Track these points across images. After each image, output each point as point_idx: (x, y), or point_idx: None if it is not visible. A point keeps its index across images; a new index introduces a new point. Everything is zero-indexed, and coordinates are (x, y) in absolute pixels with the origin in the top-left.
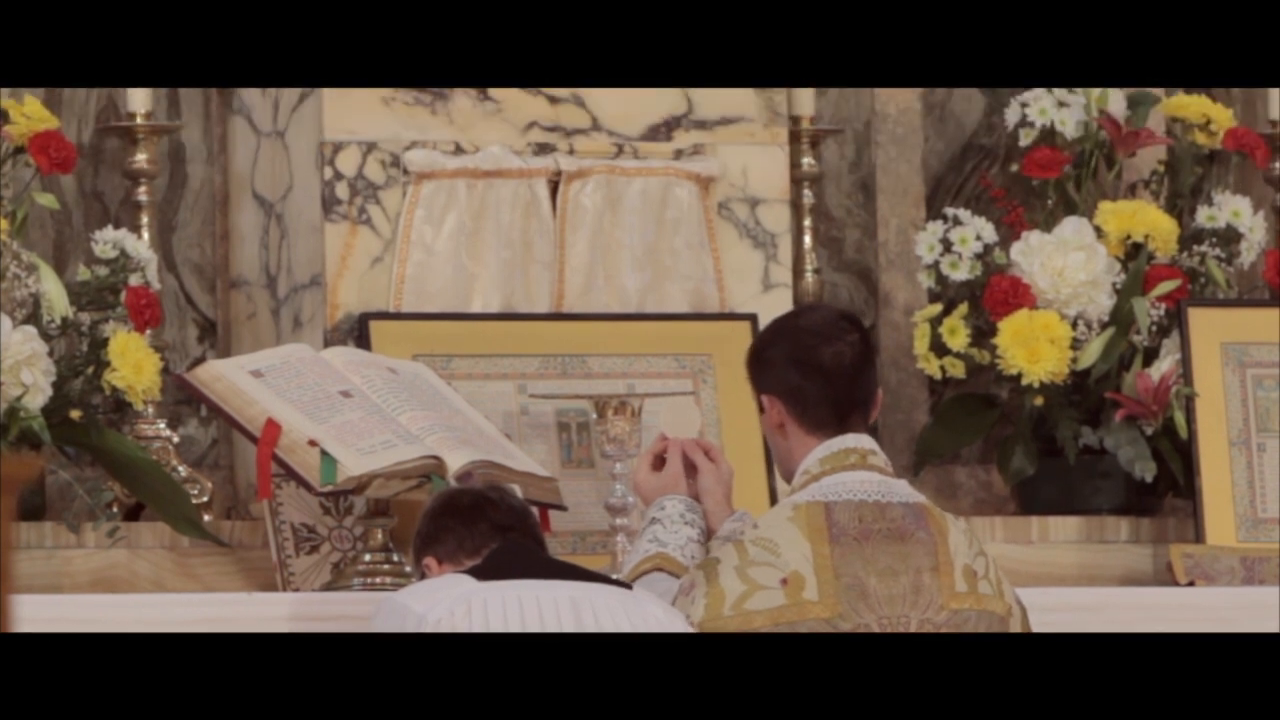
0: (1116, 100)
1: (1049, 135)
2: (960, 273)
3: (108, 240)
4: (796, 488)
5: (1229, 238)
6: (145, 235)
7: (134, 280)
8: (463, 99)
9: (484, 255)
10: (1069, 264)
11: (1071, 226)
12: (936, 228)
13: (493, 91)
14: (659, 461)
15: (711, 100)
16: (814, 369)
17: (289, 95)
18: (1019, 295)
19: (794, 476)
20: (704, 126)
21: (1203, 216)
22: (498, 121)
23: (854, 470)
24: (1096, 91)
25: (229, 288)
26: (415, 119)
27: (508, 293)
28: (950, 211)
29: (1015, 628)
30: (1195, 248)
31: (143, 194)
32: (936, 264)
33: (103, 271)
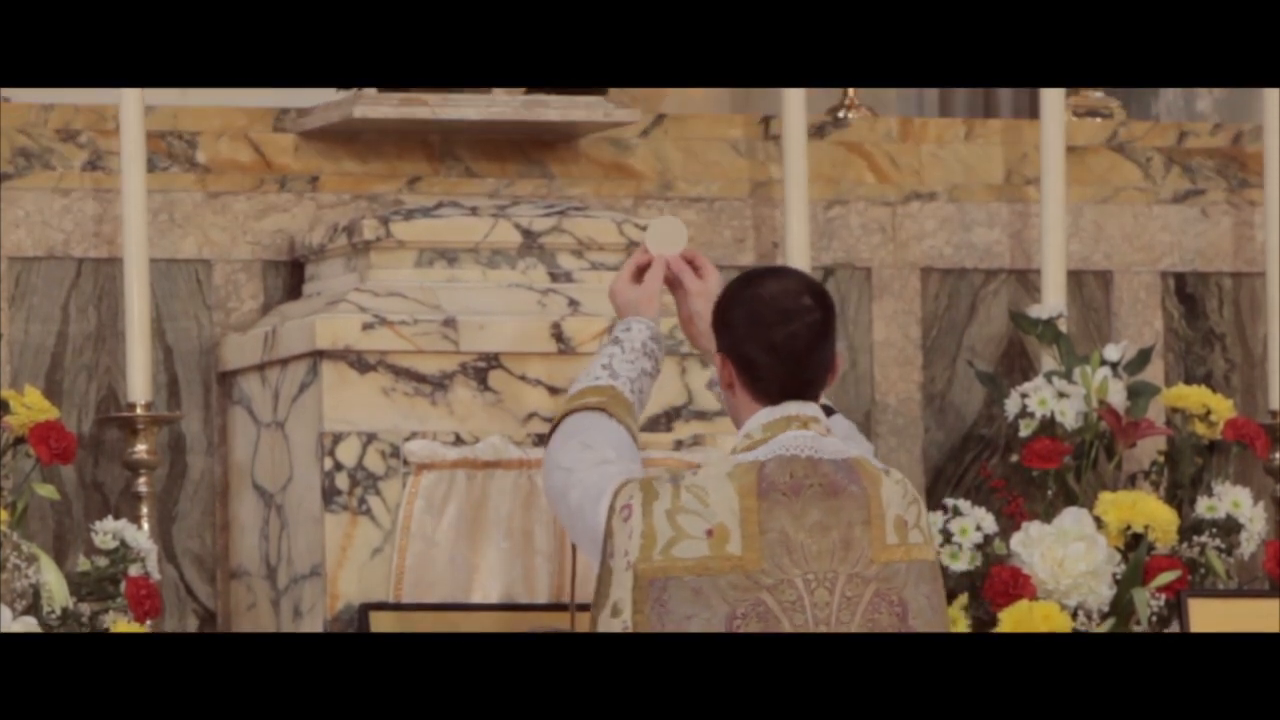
0: (1117, 390)
1: (1049, 426)
2: (960, 563)
3: (108, 531)
4: (738, 449)
5: (1229, 528)
6: (145, 525)
7: (134, 570)
8: (462, 390)
9: (484, 546)
10: (1069, 554)
11: (1071, 517)
12: (936, 518)
13: (492, 382)
14: (640, 274)
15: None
16: (767, 347)
17: (289, 386)
18: (1019, 586)
19: (740, 431)
20: (703, 417)
21: (1203, 507)
22: (497, 412)
23: (791, 432)
24: (1096, 382)
25: (229, 578)
26: (415, 410)
27: (508, 583)
28: (950, 502)
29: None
30: (1195, 538)
31: (143, 484)
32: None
33: (103, 562)
